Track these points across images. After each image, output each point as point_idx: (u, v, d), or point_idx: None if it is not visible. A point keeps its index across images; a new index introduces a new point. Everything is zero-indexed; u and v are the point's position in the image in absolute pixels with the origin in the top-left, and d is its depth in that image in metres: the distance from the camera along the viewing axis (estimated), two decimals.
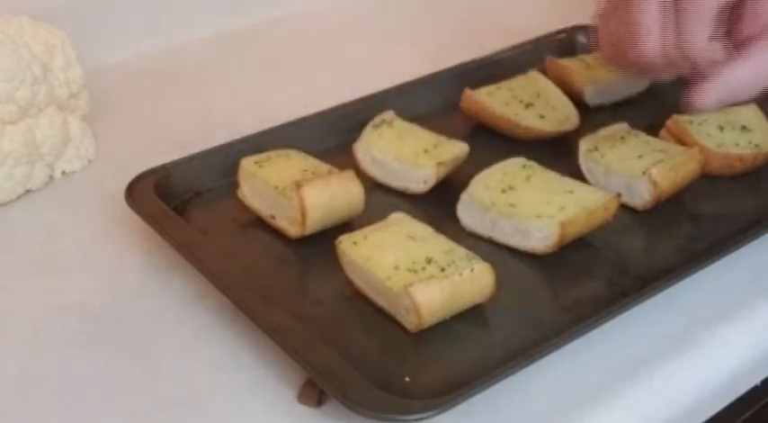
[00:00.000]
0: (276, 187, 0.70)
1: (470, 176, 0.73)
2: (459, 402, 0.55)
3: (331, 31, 1.10)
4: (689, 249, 0.70)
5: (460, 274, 0.61)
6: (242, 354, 0.62)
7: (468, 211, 0.71)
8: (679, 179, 0.74)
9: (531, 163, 0.74)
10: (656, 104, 0.88)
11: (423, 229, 0.66)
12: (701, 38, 0.62)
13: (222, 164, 0.77)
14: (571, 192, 0.70)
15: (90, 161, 0.84)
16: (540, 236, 0.68)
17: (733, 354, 0.63)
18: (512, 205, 0.69)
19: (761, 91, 0.65)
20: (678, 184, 0.74)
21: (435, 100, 0.88)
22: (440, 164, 0.75)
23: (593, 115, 0.86)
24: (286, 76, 1.00)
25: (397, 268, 0.62)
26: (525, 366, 0.57)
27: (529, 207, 0.69)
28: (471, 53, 0.93)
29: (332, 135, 0.82)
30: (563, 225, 0.67)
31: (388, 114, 0.81)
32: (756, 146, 0.77)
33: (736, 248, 0.68)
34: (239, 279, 0.64)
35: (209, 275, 0.64)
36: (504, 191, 0.71)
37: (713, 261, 0.66)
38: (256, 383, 0.60)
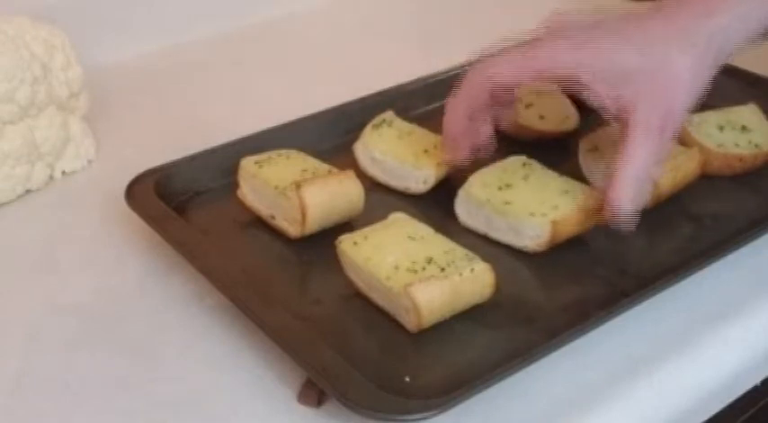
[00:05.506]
0: (276, 187, 0.70)
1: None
2: (458, 402, 0.55)
3: (331, 30, 1.10)
4: (689, 249, 0.70)
5: (460, 275, 0.61)
6: (242, 354, 0.62)
7: (465, 207, 0.71)
8: (679, 179, 0.74)
9: (532, 161, 0.74)
10: None
11: (423, 229, 0.66)
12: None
13: (222, 164, 0.77)
14: (567, 191, 0.70)
15: (90, 161, 0.84)
16: (532, 234, 0.68)
17: (733, 354, 0.63)
18: (506, 203, 0.69)
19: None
20: (678, 184, 0.74)
21: (435, 100, 0.87)
22: (440, 164, 0.75)
23: (593, 115, 0.86)
24: (286, 76, 1.00)
25: (397, 268, 0.62)
26: (525, 366, 0.57)
27: (523, 205, 0.69)
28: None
29: (332, 135, 0.82)
30: (554, 224, 0.67)
31: (388, 114, 0.81)
32: (756, 146, 0.77)
33: (736, 248, 0.68)
34: (239, 279, 0.64)
35: (209, 275, 0.64)
36: (500, 188, 0.71)
37: (713, 261, 0.66)
38: (256, 383, 0.60)
